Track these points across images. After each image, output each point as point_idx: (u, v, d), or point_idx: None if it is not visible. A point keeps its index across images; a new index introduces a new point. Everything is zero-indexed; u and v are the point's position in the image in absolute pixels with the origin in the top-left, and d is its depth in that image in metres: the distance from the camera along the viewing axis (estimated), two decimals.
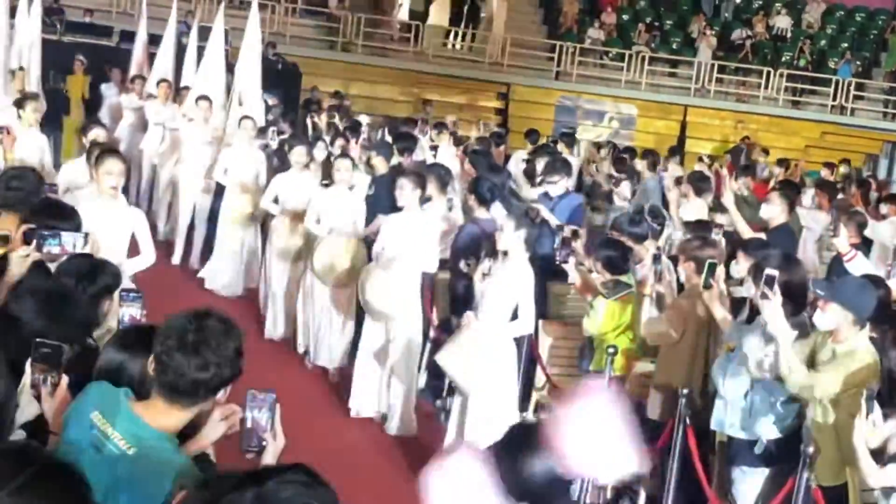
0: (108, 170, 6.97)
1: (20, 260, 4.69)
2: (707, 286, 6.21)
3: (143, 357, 3.55)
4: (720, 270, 6.34)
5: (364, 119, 16.56)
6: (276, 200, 10.44)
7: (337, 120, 15.79)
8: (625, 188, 12.43)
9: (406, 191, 8.39)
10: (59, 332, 3.76)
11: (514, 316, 7.17)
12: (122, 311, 4.59)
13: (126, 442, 3.17)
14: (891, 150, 27.21)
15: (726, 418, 6.02)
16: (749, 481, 5.97)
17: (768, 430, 5.87)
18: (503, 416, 6.98)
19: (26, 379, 3.54)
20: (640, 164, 14.85)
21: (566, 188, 10.31)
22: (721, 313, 6.30)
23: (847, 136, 26.53)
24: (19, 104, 10.56)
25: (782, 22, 30.05)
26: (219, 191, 12.58)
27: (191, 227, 12.96)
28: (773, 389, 5.87)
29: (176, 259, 12.85)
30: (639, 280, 7.08)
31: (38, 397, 3.53)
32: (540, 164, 12.18)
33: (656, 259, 6.96)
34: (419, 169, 9.81)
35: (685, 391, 6.28)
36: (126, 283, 5.66)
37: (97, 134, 9.39)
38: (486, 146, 14.09)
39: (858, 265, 7.83)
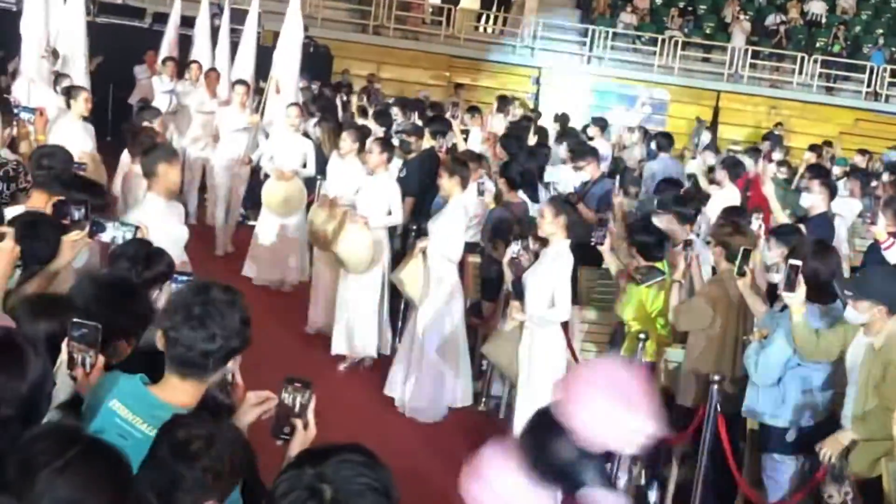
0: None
1: (71, 244, 4.72)
2: (741, 273, 6.18)
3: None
4: (755, 257, 6.31)
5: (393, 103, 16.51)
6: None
7: (366, 102, 15.81)
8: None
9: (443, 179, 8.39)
10: (119, 323, 3.78)
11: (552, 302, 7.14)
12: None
13: (148, 424, 3.19)
14: None
15: (758, 405, 6.00)
16: (781, 469, 5.95)
17: (801, 418, 5.84)
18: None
19: (63, 358, 3.56)
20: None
21: (600, 173, 10.28)
22: (754, 301, 6.27)
23: (881, 123, 26.28)
24: (69, 93, 10.18)
25: (817, 7, 29.77)
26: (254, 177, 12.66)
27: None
28: (806, 377, 5.85)
29: (219, 250, 12.66)
30: (671, 264, 7.05)
31: (74, 377, 3.55)
32: (561, 150, 12.15)
33: (688, 244, 6.93)
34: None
35: (717, 377, 6.24)
36: None
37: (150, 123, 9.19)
38: (521, 130, 13.99)
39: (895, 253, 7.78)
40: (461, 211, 8.42)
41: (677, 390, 6.86)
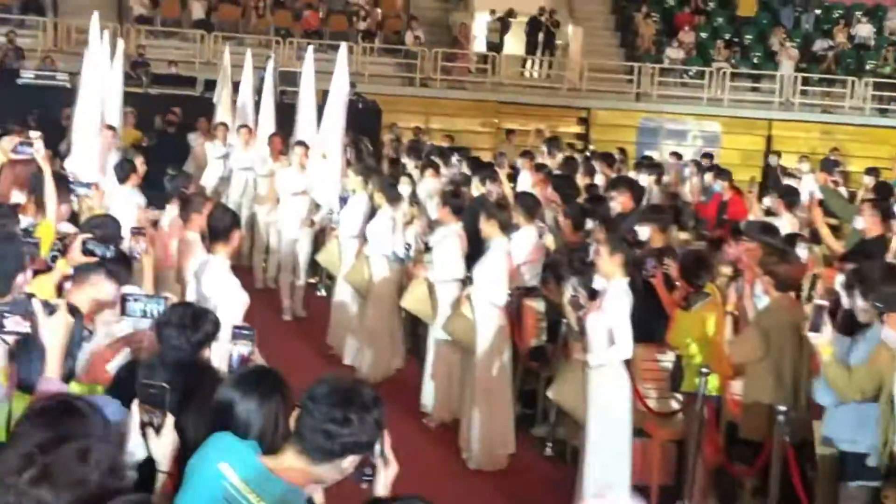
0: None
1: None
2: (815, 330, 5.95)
3: (256, 400, 3.69)
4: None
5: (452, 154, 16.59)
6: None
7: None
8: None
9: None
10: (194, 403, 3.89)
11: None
12: (233, 349, 4.72)
13: (258, 497, 3.23)
14: None
15: (836, 433, 5.88)
16: (861, 498, 5.81)
17: (882, 441, 5.72)
18: (619, 444, 6.95)
19: (134, 421, 3.63)
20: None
21: (632, 206, 10.17)
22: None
23: None
24: (122, 166, 10.11)
25: (864, 30, 29.58)
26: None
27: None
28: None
29: (287, 315, 12.59)
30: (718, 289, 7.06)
31: (145, 437, 3.62)
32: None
33: (736, 276, 6.91)
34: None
35: (782, 408, 6.16)
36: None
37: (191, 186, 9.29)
38: (570, 170, 13.97)
39: None
40: (503, 254, 8.45)
41: (742, 423, 6.79)
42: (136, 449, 3.60)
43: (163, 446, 3.61)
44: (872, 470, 5.78)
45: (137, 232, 6.48)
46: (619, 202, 10.11)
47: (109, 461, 2.91)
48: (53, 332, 3.86)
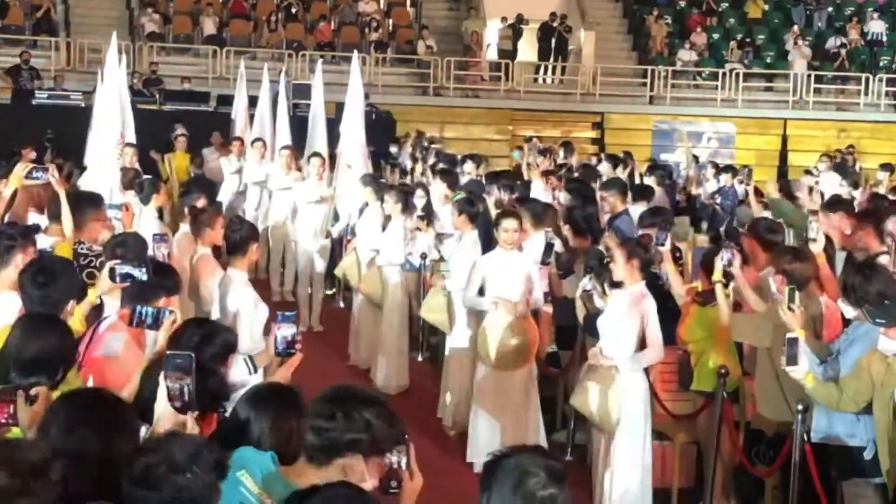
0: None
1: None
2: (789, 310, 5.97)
3: (270, 416, 3.75)
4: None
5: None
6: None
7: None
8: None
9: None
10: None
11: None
12: (277, 334, 4.77)
13: (273, 500, 3.28)
14: None
15: (830, 427, 5.86)
16: (864, 495, 5.78)
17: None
18: (643, 448, 6.91)
19: (161, 392, 3.66)
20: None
21: (623, 207, 10.15)
22: (754, 300, 6.53)
23: None
24: (143, 187, 9.80)
25: (876, 27, 29.47)
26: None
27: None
28: None
29: (303, 327, 12.05)
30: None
31: (177, 408, 3.65)
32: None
33: (720, 250, 6.98)
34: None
35: (801, 407, 6.12)
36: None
37: (200, 201, 9.02)
38: (588, 176, 13.83)
39: None
40: (473, 246, 8.86)
41: (759, 422, 6.78)
42: (164, 419, 3.64)
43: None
44: (871, 464, 5.72)
45: (161, 239, 6.54)
46: (609, 203, 10.09)
47: None
48: None
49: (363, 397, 3.48)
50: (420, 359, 11.40)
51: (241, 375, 5.26)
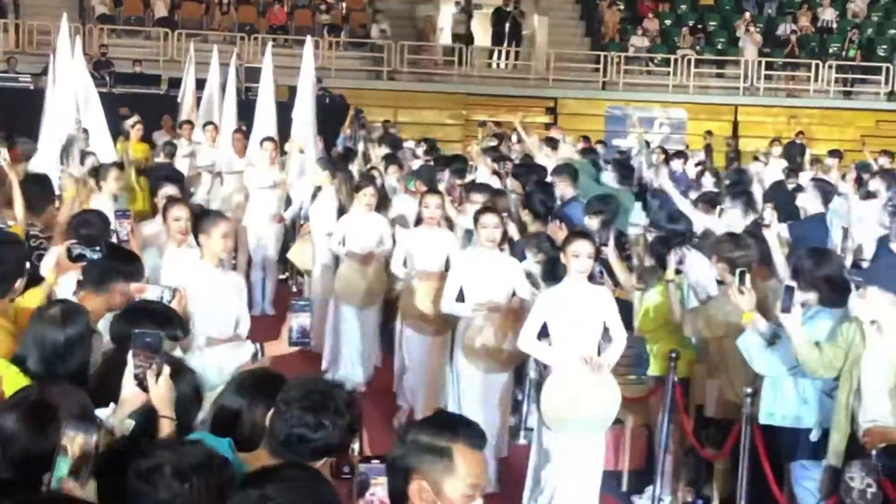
0: (176, 216, 7.00)
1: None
2: (740, 293, 6.02)
3: (263, 405, 3.69)
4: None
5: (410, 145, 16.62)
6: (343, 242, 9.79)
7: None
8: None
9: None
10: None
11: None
12: (293, 322, 4.77)
13: None
14: None
15: (777, 409, 5.93)
16: (811, 477, 5.85)
17: (824, 419, 5.76)
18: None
19: (129, 370, 3.66)
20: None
21: (573, 193, 10.15)
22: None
23: None
24: (97, 173, 9.89)
25: (827, 14, 29.76)
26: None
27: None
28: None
29: (255, 310, 11.75)
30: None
31: (141, 386, 3.65)
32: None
33: (676, 246, 7.04)
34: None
35: (748, 390, 6.18)
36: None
37: (170, 191, 8.55)
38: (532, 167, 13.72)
39: None
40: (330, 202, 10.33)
41: (707, 406, 6.84)
42: (131, 398, 3.64)
43: (162, 392, 3.65)
44: (818, 446, 5.78)
45: (122, 215, 6.49)
46: (560, 188, 10.06)
47: None
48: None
49: (344, 403, 3.42)
50: None
51: (243, 358, 5.21)
